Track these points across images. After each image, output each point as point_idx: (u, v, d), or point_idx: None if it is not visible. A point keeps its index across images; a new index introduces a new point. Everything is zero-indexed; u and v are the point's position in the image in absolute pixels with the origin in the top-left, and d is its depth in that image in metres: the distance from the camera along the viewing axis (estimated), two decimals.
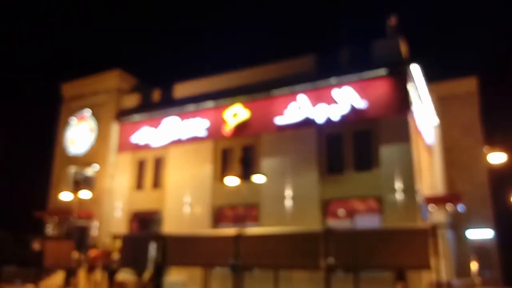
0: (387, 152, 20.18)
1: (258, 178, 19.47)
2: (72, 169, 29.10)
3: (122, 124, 28.88)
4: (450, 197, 23.84)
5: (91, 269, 19.92)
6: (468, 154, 30.40)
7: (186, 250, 16.01)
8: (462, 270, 26.75)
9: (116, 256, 19.07)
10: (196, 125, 25.59)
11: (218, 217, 23.82)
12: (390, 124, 20.53)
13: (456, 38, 63.23)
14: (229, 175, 21.16)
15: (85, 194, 24.68)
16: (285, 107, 23.07)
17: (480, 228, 28.81)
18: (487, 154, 17.23)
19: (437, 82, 29.52)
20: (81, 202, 24.93)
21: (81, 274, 19.96)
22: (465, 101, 31.51)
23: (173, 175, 25.75)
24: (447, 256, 23.85)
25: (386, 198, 19.66)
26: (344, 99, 21.61)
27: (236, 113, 24.40)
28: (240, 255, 14.37)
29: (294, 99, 22.89)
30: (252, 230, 16.35)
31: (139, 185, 27.24)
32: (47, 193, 30.51)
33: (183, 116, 26.29)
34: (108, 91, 30.14)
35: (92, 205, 27.12)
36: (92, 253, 20.76)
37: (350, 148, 21.35)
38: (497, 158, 16.59)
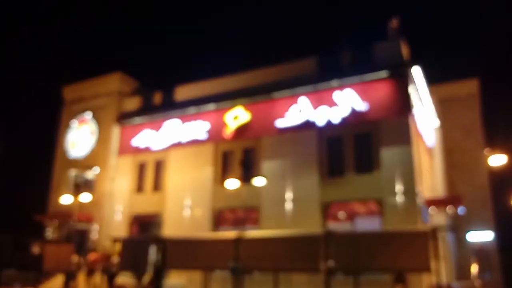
0: (387, 155, 20.14)
1: (258, 181, 19.45)
2: (73, 172, 29.17)
3: (123, 127, 28.87)
4: (451, 199, 23.79)
5: (90, 272, 19.88)
6: (469, 156, 30.33)
7: (186, 253, 15.98)
8: (462, 272, 26.66)
9: (115, 259, 19.04)
10: (197, 128, 25.58)
11: (218, 220, 23.78)
12: (391, 126, 20.50)
13: (457, 40, 63.30)
14: (229, 177, 21.15)
15: (85, 197, 24.68)
16: (286, 109, 23.06)
17: (481, 230, 28.71)
18: (487, 156, 17.21)
19: (438, 84, 29.48)
20: (81, 205, 24.91)
21: (81, 278, 19.91)
22: (466, 103, 31.45)
23: (173, 178, 25.73)
24: (448, 258, 23.78)
25: (387, 201, 19.62)
26: (345, 102, 21.58)
27: (237, 116, 24.38)
28: (240, 258, 14.34)
29: (295, 102, 22.87)
30: (252, 233, 16.33)
31: (139, 188, 27.22)
32: (47, 196, 30.48)
33: (184, 118, 26.29)
34: (109, 94, 30.14)
35: (92, 208, 27.09)
36: (92, 256, 20.73)
37: (351, 150, 21.32)
38: (497, 160, 16.58)
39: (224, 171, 24.28)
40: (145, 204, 26.43)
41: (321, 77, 22.73)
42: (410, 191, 19.29)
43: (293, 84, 23.17)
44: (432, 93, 25.95)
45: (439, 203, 21.53)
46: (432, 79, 24.77)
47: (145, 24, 75.84)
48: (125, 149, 28.29)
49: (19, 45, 63.95)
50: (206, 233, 22.45)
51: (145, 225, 26.38)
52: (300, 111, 22.63)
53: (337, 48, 24.88)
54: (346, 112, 21.53)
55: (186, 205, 24.60)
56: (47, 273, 20.97)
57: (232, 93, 24.98)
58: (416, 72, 21.37)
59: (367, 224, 20.46)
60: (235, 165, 23.40)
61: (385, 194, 19.73)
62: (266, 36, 70.37)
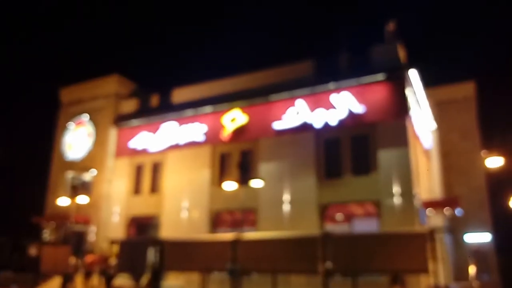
0: (385, 157, 20.20)
1: (256, 183, 19.45)
2: (70, 174, 29.12)
3: (120, 129, 28.85)
4: (448, 201, 23.86)
5: (88, 274, 19.82)
6: (466, 158, 30.45)
7: (184, 254, 16.00)
8: (460, 274, 26.73)
9: (113, 261, 19.02)
10: (194, 130, 25.58)
11: (216, 221, 23.78)
12: (388, 128, 20.57)
13: (454, 42, 63.54)
14: (227, 179, 21.18)
15: (82, 199, 24.64)
16: (283, 112, 23.09)
17: (478, 232, 28.81)
18: (484, 158, 17.31)
19: (435, 87, 29.61)
20: (79, 207, 24.88)
21: (78, 280, 19.86)
22: (462, 106, 31.61)
23: (171, 180, 25.72)
24: (445, 260, 23.83)
25: (384, 202, 19.66)
26: (342, 104, 21.64)
27: (234, 118, 24.41)
28: (238, 260, 14.37)
29: (292, 104, 22.92)
30: (250, 234, 16.37)
31: (136, 190, 27.18)
32: (44, 198, 30.42)
33: (181, 121, 26.29)
34: (106, 96, 30.12)
35: (90, 210, 27.03)
36: (89, 258, 20.69)
37: (348, 152, 21.36)
38: (494, 162, 16.67)
39: (221, 173, 24.28)
40: (143, 206, 26.40)
41: (318, 79, 22.78)
42: (407, 193, 19.34)
43: (290, 87, 23.21)
44: (429, 95, 26.04)
45: (436, 204, 21.58)
46: (429, 82, 24.89)
47: (143, 26, 75.92)
48: (122, 151, 28.26)
49: (17, 47, 63.87)
50: (204, 235, 22.44)
51: (142, 227, 26.36)
52: (297, 113, 22.68)
53: (335, 50, 24.95)
54: (343, 115, 21.58)
55: (183, 207, 24.59)
56: (44, 275, 20.87)
57: (229, 96, 25.01)
58: (413, 74, 21.46)
59: (365, 225, 20.49)
60: (233, 167, 23.43)
61: (382, 195, 19.78)
62: (264, 39, 70.52)
